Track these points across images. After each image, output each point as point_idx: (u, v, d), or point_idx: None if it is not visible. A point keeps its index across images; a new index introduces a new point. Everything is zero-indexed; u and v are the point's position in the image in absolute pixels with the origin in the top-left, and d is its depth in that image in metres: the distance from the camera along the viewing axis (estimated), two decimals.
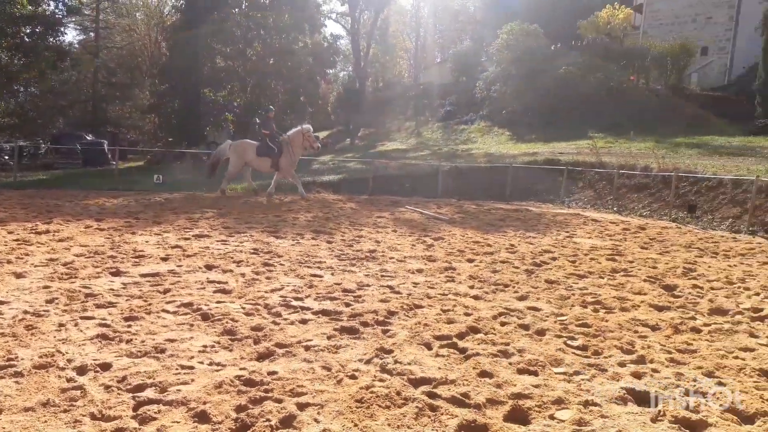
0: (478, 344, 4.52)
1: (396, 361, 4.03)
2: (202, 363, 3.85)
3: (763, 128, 22.96)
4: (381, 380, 3.69)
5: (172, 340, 4.21)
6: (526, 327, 5.05)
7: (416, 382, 3.70)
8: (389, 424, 3.11)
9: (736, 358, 4.43)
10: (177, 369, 3.68)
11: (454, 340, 4.59)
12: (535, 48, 32.21)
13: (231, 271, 6.73)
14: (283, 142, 15.19)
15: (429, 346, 4.43)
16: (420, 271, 7.23)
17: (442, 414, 3.27)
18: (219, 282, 6.10)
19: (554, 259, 8.50)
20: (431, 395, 3.51)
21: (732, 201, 14.35)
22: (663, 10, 36.35)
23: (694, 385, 3.83)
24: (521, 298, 6.11)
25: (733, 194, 14.43)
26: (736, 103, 27.22)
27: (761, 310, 5.93)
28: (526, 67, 31.53)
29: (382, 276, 6.85)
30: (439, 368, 3.96)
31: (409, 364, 3.99)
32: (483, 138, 32.56)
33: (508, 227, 12.08)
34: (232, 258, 7.44)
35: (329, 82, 42.92)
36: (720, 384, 3.88)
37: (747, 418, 3.41)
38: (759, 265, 8.65)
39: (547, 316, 5.43)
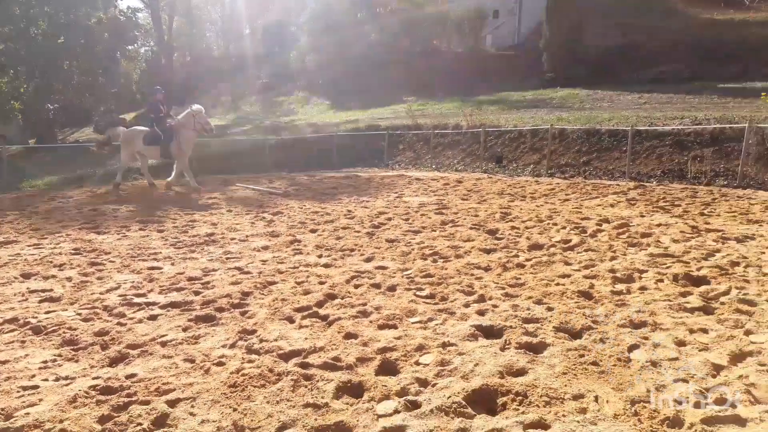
0: (338, 309, 4.66)
1: (262, 340, 4.01)
2: (46, 380, 3.47)
3: (550, 81, 25.95)
4: (250, 361, 3.66)
5: (3, 362, 3.73)
6: (378, 286, 5.30)
7: (286, 356, 3.73)
8: (268, 402, 3.13)
9: (558, 284, 5.12)
10: (19, 391, 3.28)
11: (315, 309, 4.68)
12: (343, 17, 32.70)
13: (54, 276, 6.05)
14: (173, 127, 13.47)
15: (291, 320, 4.47)
16: (266, 248, 7.16)
17: (318, 381, 3.36)
18: (43, 290, 5.46)
19: (390, 219, 8.93)
20: (304, 365, 3.58)
21: (531, 149, 16.16)
22: None
23: (529, 313, 4.38)
24: (368, 260, 6.37)
25: (532, 143, 16.25)
26: (527, 60, 30.31)
27: (570, 240, 6.88)
28: (337, 36, 31.94)
29: (228, 258, 6.67)
30: (306, 339, 4.03)
31: (276, 340, 4.01)
32: (303, 108, 32.56)
33: (342, 194, 12.37)
34: (51, 262, 6.67)
35: (131, 59, 39.42)
36: (549, 309, 4.48)
37: (575, 334, 3.99)
38: (560, 203, 9.95)
39: (395, 273, 5.74)
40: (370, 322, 4.35)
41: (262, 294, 5.18)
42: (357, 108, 28.77)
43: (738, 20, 20.02)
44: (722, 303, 4.50)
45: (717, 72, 21.57)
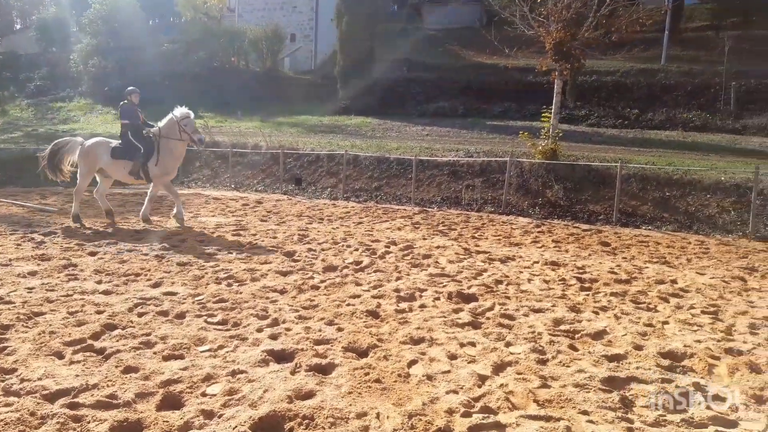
0: (118, 341, 4.30)
1: (23, 380, 3.53)
2: None
3: (345, 108, 27.13)
4: (7, 405, 3.20)
5: None
6: (165, 313, 5.01)
7: (52, 397, 3.34)
8: None
9: (349, 305, 5.35)
10: None
11: (89, 342, 4.26)
12: (133, 21, 30.53)
13: None
14: (152, 138, 10.31)
15: (60, 355, 4.00)
16: (33, 273, 6.31)
17: (89, 422, 3.06)
18: None
19: (183, 241, 8.51)
20: (72, 406, 3.24)
21: (328, 173, 16.68)
22: None
23: (320, 335, 4.51)
24: (155, 285, 5.98)
25: (329, 167, 16.79)
26: (323, 86, 31.30)
27: (361, 262, 7.23)
28: (126, 42, 29.66)
29: None
30: (77, 375, 3.64)
31: (40, 379, 3.56)
32: (86, 117, 29.44)
33: (130, 213, 11.45)
34: None
35: None
36: (339, 329, 4.66)
37: (362, 353, 4.21)
38: (354, 225, 10.42)
39: (185, 299, 5.49)
40: (154, 353, 4.10)
41: (26, 327, 4.56)
42: (149, 121, 26.98)
43: (501, 65, 23.11)
44: (488, 318, 5.12)
45: (486, 110, 24.58)
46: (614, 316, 5.26)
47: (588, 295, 6.00)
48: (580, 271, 7.10)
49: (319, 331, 4.60)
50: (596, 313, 5.34)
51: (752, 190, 10.46)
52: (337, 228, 10.06)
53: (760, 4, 26.19)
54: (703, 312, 5.50)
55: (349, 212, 12.13)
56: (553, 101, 14.79)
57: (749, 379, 3.93)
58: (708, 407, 3.48)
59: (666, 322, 5.13)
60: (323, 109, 27.71)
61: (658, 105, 21.79)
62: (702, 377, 3.96)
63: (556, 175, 13.16)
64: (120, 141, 10.34)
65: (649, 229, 10.74)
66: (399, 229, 10.21)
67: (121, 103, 10.51)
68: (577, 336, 4.68)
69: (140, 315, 4.97)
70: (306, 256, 7.58)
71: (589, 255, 8.21)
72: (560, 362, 4.07)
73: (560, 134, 14.44)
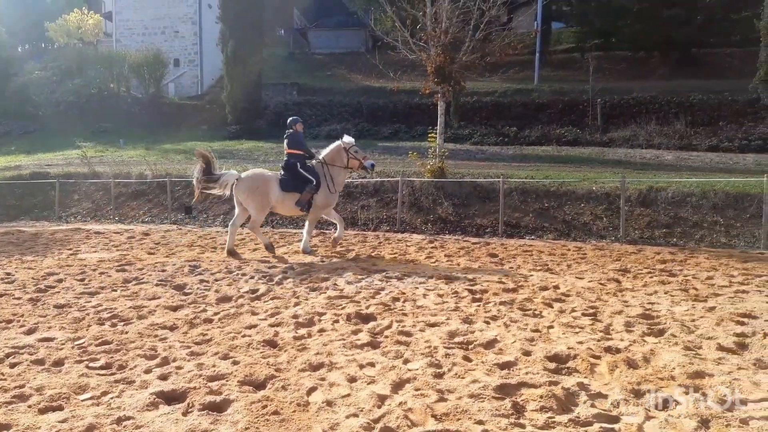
0: None
1: None
2: None
3: (235, 133, 26.58)
4: None
5: None
6: (41, 362, 4.60)
7: None
8: None
9: (244, 336, 5.20)
10: None
11: None
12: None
13: None
14: (316, 167, 10.03)
15: None
16: None
17: None
18: None
19: (60, 281, 7.88)
20: None
21: (221, 200, 16.21)
22: (133, 20, 36.97)
23: (214, 370, 4.34)
24: (30, 332, 5.48)
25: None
26: (211, 111, 30.51)
27: (257, 290, 7.07)
28: None
29: None
30: None
31: None
32: None
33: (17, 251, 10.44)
34: None
35: None
36: (235, 363, 4.51)
37: (259, 385, 4.10)
38: (250, 252, 10.17)
39: (63, 344, 5.07)
40: (29, 406, 3.74)
41: None
42: (20, 152, 24.89)
43: (388, 88, 23.82)
44: (386, 336, 5.18)
45: (377, 132, 25.12)
46: (504, 324, 5.52)
47: (479, 305, 6.25)
48: (471, 282, 7.39)
49: (213, 366, 4.43)
50: (487, 322, 5.57)
51: (620, 198, 11.45)
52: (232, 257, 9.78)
53: (617, 27, 28.92)
54: (583, 314, 5.91)
55: (244, 239, 11.84)
56: (438, 122, 15.41)
57: (627, 375, 4.26)
58: (592, 405, 3.73)
59: (551, 327, 5.45)
60: (212, 134, 27.03)
61: (533, 122, 23.37)
62: (585, 376, 4.24)
63: (445, 192, 13.66)
64: (284, 172, 10.00)
65: (532, 239, 11.43)
66: (297, 252, 10.11)
67: (288, 132, 10.15)
68: (470, 347, 4.85)
69: (12, 366, 4.53)
70: (198, 288, 7.29)
71: (479, 267, 8.57)
72: (456, 374, 4.19)
73: (446, 153, 15.05)
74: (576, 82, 26.72)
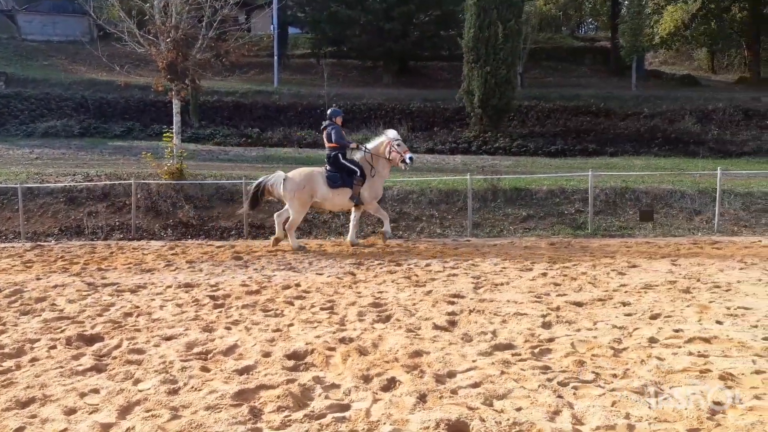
0: None
1: None
2: None
3: None
4: None
5: None
6: None
7: None
8: None
9: None
10: None
11: None
12: None
13: None
14: (362, 161, 10.06)
15: None
16: None
17: None
18: None
19: None
20: None
21: None
22: None
23: None
24: None
25: None
26: None
27: None
28: None
29: None
30: None
31: None
32: None
33: None
34: None
35: None
36: None
37: None
38: None
39: None
40: None
41: None
42: None
43: (118, 83, 21.80)
44: (114, 357, 4.73)
45: (107, 130, 22.81)
46: (245, 328, 5.50)
47: (221, 311, 6.13)
48: (214, 288, 7.20)
49: None
50: (228, 328, 5.49)
51: None
52: None
53: (347, 37, 30.91)
54: (321, 309, 6.21)
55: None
56: (174, 120, 14.67)
57: (358, 363, 4.59)
58: (326, 397, 3.93)
59: (291, 324, 5.61)
60: None
61: (276, 124, 23.71)
62: (321, 370, 4.46)
63: (185, 195, 13.06)
64: (330, 167, 10.05)
65: None
66: (4, 270, 8.63)
67: (325, 124, 10.28)
68: (209, 356, 4.72)
69: None
70: None
71: (223, 271, 8.40)
72: (192, 387, 4.04)
73: (185, 153, 14.40)
74: (313, 86, 27.87)
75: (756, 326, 5.50)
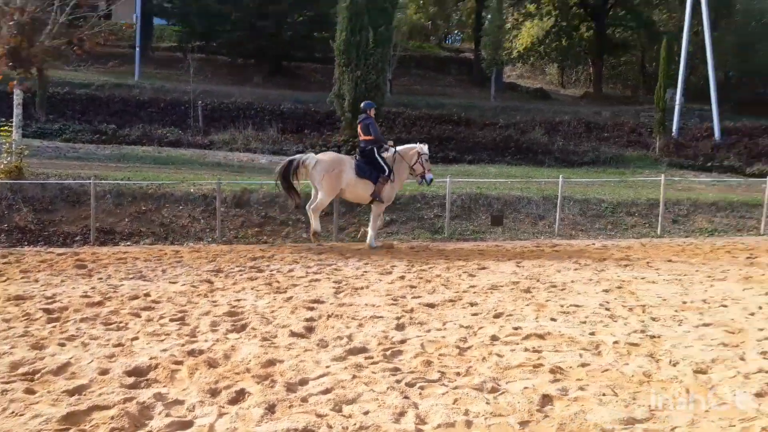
0: None
1: None
2: None
3: None
4: None
5: None
6: None
7: None
8: None
9: None
10: None
11: None
12: None
13: None
14: (388, 158, 10.34)
15: None
16: None
17: None
18: None
19: None
20: None
21: None
22: None
23: None
24: None
25: None
26: None
27: None
28: None
29: None
30: None
31: None
32: None
33: None
34: None
35: None
36: None
37: None
38: None
39: None
40: None
41: None
42: None
43: None
44: None
45: None
46: (82, 344, 5.07)
47: (55, 326, 5.60)
48: (50, 300, 6.57)
49: None
50: (63, 345, 5.03)
51: (217, 199, 11.87)
52: None
53: (218, 32, 29.80)
54: (171, 320, 5.90)
55: None
56: (14, 113, 13.26)
57: (206, 376, 4.42)
58: (167, 414, 3.74)
59: (136, 338, 5.27)
60: None
61: (134, 120, 22.20)
62: (165, 386, 4.24)
63: (24, 197, 11.80)
64: (361, 158, 10.31)
65: (128, 245, 10.86)
66: None
67: (362, 116, 10.50)
68: (37, 376, 4.30)
69: None
70: None
71: (62, 281, 7.69)
72: (13, 413, 3.65)
73: (26, 151, 13.05)
74: (178, 81, 26.54)
75: (584, 322, 6.09)
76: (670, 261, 9.80)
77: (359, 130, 10.63)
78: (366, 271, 8.66)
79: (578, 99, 37.40)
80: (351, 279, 8.10)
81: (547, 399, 4.13)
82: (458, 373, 4.59)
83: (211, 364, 4.66)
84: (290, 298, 6.98)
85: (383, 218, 11.37)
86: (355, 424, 3.63)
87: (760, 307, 6.66)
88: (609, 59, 40.93)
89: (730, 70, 36.50)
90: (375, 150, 10.32)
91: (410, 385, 4.33)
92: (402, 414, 3.83)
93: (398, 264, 9.21)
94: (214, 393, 4.13)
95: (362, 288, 7.54)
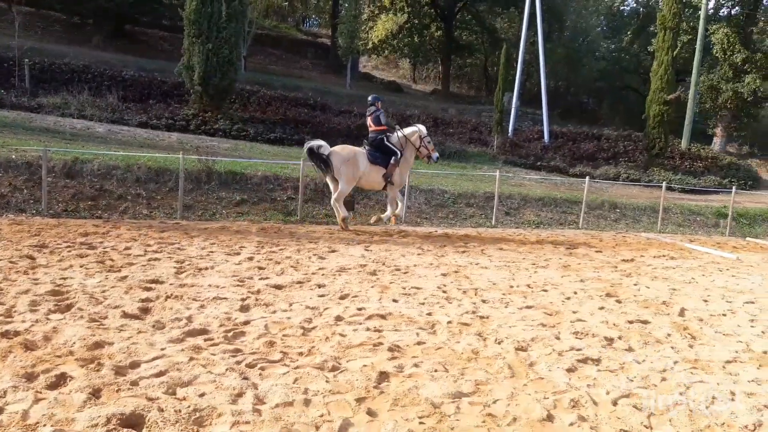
0: None
1: None
2: None
3: None
4: None
5: None
6: None
7: None
8: None
9: None
10: None
11: None
12: None
13: None
14: (396, 142, 11.08)
15: None
16: None
17: None
18: None
19: None
20: None
21: None
22: None
23: None
24: None
25: None
26: None
27: None
28: None
29: None
30: None
31: None
32: None
33: None
34: None
35: None
36: None
37: None
38: None
39: None
40: None
41: None
42: None
43: None
44: None
45: None
46: None
47: None
48: None
49: None
50: None
51: (43, 168, 10.68)
52: None
53: None
54: None
55: None
56: None
57: (22, 359, 4.01)
58: None
59: None
60: None
61: None
62: None
63: None
64: (369, 147, 10.95)
65: None
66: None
67: (372, 109, 11.11)
68: None
69: None
70: None
71: None
72: None
73: None
74: (2, 36, 23.32)
75: (423, 303, 6.44)
76: (501, 249, 10.68)
77: (369, 122, 11.23)
78: (212, 251, 8.35)
79: (428, 95, 39.14)
80: (195, 259, 7.76)
81: (384, 376, 4.31)
82: (301, 353, 4.63)
83: (29, 347, 4.23)
84: (125, 277, 6.53)
85: (402, 198, 12.10)
86: (189, 407, 3.51)
87: (575, 292, 7.51)
88: (456, 60, 43.35)
89: (560, 80, 40.54)
90: (384, 138, 10.99)
91: (251, 366, 4.28)
92: (240, 395, 3.78)
93: (247, 245, 9.00)
94: (30, 377, 3.76)
95: (206, 268, 7.26)
